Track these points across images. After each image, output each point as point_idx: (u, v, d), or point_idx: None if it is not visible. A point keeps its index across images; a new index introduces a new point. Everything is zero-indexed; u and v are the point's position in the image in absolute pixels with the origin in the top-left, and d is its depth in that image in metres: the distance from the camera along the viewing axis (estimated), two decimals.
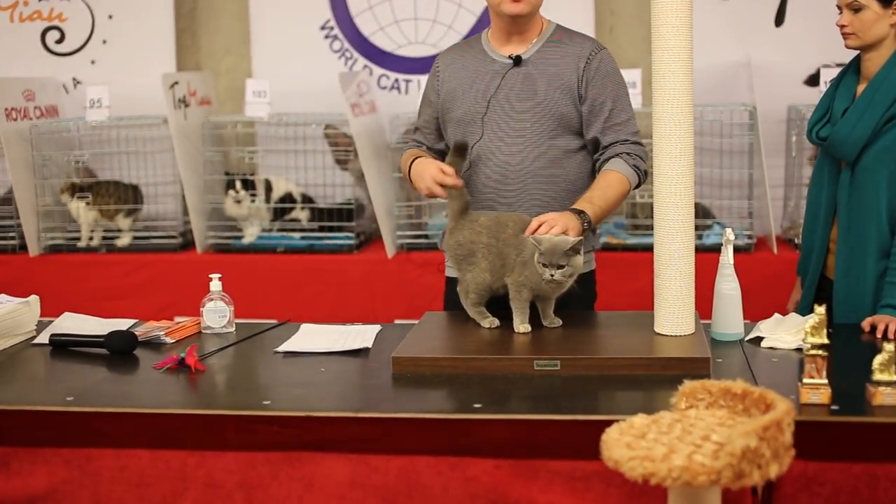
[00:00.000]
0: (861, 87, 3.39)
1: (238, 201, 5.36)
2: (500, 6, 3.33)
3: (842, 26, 3.36)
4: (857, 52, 3.42)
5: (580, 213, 3.20)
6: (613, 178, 3.33)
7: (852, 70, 3.46)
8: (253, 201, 5.37)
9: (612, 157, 3.36)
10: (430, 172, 3.24)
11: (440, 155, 3.52)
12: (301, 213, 5.48)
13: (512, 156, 3.35)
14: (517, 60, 3.39)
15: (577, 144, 3.41)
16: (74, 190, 5.44)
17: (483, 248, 3.15)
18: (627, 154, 3.36)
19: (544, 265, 2.99)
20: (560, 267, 2.99)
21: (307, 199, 5.53)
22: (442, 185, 3.21)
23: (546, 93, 3.36)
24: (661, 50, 2.97)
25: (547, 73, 3.37)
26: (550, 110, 3.36)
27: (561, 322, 3.15)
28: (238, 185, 5.33)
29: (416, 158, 3.39)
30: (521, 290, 3.09)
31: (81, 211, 5.43)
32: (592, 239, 3.49)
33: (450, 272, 3.56)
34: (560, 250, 2.98)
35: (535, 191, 3.36)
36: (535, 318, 3.14)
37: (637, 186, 3.43)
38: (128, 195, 5.53)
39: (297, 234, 5.45)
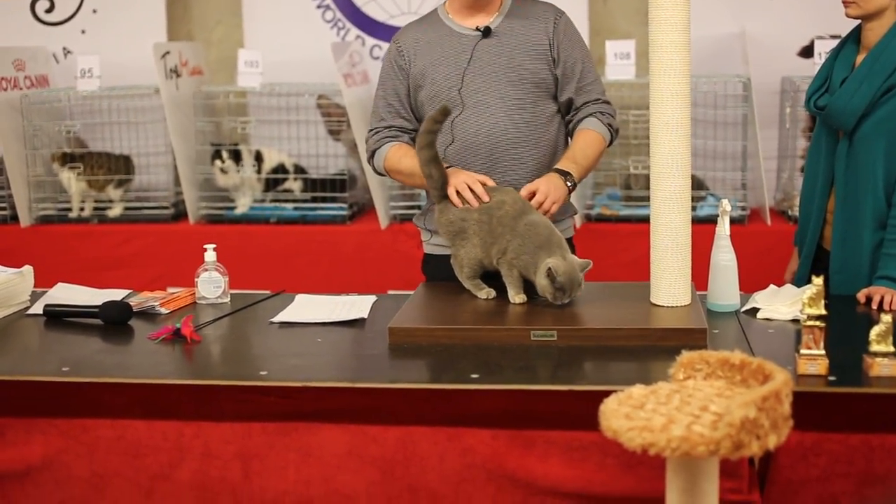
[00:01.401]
0: (860, 58, 3.37)
1: (224, 171, 5.33)
2: None
3: None
4: (857, 21, 3.41)
5: (565, 174, 3.25)
6: (591, 136, 3.38)
7: (852, 40, 3.44)
8: (239, 171, 5.35)
9: (586, 116, 3.42)
10: (475, 177, 3.22)
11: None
12: (294, 184, 5.46)
13: (498, 126, 3.34)
14: (486, 32, 3.38)
15: (555, 108, 3.44)
16: (66, 160, 5.42)
17: (474, 224, 3.15)
18: (601, 113, 3.42)
19: (562, 293, 3.00)
20: (574, 293, 3.02)
21: (300, 170, 5.52)
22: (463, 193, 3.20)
23: (522, 59, 3.37)
24: (658, 20, 2.96)
25: (518, 40, 3.38)
26: (529, 76, 3.37)
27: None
28: (224, 154, 5.31)
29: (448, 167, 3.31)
30: (513, 270, 3.09)
31: (72, 181, 5.41)
32: (570, 206, 3.51)
33: (428, 248, 3.58)
34: (576, 281, 3.01)
35: (525, 157, 3.37)
36: (530, 289, 3.13)
37: (610, 144, 3.48)
38: (119, 166, 5.51)
39: (289, 205, 5.43)
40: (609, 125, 3.43)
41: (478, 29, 3.39)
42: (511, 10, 3.43)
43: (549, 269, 2.97)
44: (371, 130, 3.51)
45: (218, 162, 5.31)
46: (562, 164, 3.29)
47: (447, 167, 3.28)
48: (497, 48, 3.37)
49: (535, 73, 3.37)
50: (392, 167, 3.45)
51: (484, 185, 3.19)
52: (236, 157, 5.34)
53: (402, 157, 3.41)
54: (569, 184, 3.25)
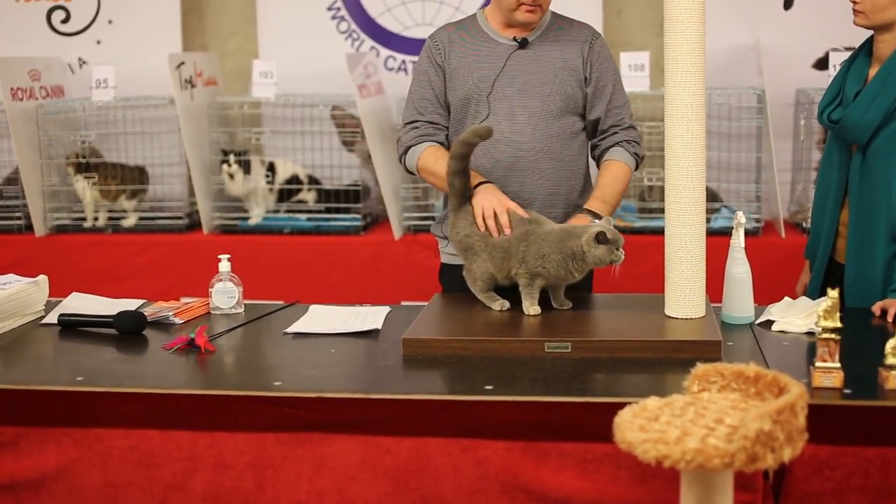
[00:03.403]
0: (873, 70, 3.37)
1: (232, 176, 5.33)
2: (514, 14, 3.35)
3: (853, 2, 3.34)
4: (869, 33, 3.40)
5: (596, 216, 3.28)
6: (620, 169, 3.42)
7: (864, 52, 3.43)
8: (247, 179, 5.35)
9: (613, 145, 3.44)
10: (506, 204, 3.19)
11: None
12: (308, 195, 5.47)
13: (522, 136, 3.37)
14: (523, 43, 3.40)
15: (580, 126, 3.46)
16: (80, 168, 5.44)
17: (479, 240, 3.16)
18: (627, 142, 3.44)
19: (616, 249, 3.04)
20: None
21: (313, 181, 5.52)
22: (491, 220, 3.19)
23: (554, 74, 3.39)
24: (673, 32, 2.96)
25: (552, 55, 3.40)
26: (558, 91, 3.38)
27: (571, 304, 3.15)
28: (231, 158, 5.31)
29: (482, 183, 3.28)
30: (535, 280, 3.09)
31: (87, 191, 5.43)
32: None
33: (444, 258, 3.59)
34: (617, 233, 3.05)
35: (545, 170, 3.39)
36: (544, 301, 3.13)
37: (635, 169, 3.52)
38: (133, 177, 5.52)
39: (303, 216, 5.44)
40: (635, 154, 3.46)
41: (515, 39, 3.40)
42: (549, 26, 3.45)
43: (598, 234, 3.01)
44: (408, 123, 3.50)
45: (225, 166, 5.31)
46: (592, 205, 3.31)
47: (482, 183, 3.27)
48: (530, 60, 3.39)
49: (565, 89, 3.39)
50: (425, 167, 3.44)
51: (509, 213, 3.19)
52: (246, 165, 5.34)
53: (438, 159, 3.37)
54: None
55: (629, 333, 2.91)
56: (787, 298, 3.20)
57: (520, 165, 3.38)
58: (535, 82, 3.38)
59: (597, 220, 3.22)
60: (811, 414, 2.16)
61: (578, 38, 3.43)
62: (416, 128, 3.48)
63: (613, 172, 3.39)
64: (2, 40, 5.90)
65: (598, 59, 3.43)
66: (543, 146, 3.38)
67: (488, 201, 3.19)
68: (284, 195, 5.46)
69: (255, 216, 5.41)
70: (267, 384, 2.65)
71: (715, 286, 3.16)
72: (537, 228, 3.12)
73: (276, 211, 5.48)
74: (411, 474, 2.58)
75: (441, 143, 3.47)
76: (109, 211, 5.51)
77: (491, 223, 3.16)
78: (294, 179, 5.46)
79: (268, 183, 5.40)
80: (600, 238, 3.01)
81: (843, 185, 3.43)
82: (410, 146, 3.48)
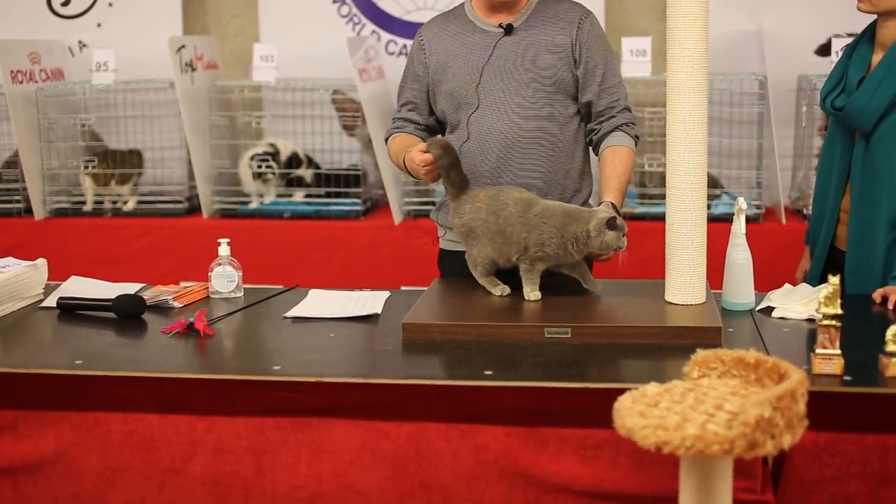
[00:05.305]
0: (877, 57, 3.35)
1: (266, 180, 5.34)
2: None
3: None
4: (872, 19, 3.38)
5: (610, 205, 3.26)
6: (626, 155, 3.37)
7: (866, 38, 3.42)
8: (273, 174, 5.35)
9: (613, 129, 3.39)
10: (414, 159, 3.24)
11: (429, 131, 3.56)
12: (306, 172, 5.46)
13: (514, 124, 3.34)
14: (509, 29, 3.37)
15: (574, 110, 3.42)
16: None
17: (482, 223, 3.15)
18: (626, 125, 3.40)
19: (623, 235, 3.03)
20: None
21: (312, 165, 5.51)
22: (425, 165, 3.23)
23: (543, 58, 3.35)
24: (676, 17, 2.95)
25: (540, 38, 3.36)
26: (548, 76, 3.35)
27: (601, 287, 3.19)
28: (275, 168, 5.32)
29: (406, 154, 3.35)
30: (535, 264, 3.08)
31: (87, 176, 5.43)
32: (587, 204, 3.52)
33: (444, 244, 3.58)
34: (622, 219, 3.05)
35: (539, 157, 3.36)
36: (545, 286, 3.12)
37: None
38: (131, 160, 5.51)
39: (301, 192, 5.43)
40: (636, 136, 3.42)
41: (500, 26, 3.38)
42: (537, 8, 3.40)
43: (608, 221, 3.01)
44: (392, 119, 3.62)
45: (259, 174, 5.31)
46: (607, 196, 3.27)
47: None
48: (518, 46, 3.35)
49: (555, 73, 3.35)
50: (390, 156, 3.58)
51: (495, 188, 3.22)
52: (271, 159, 5.35)
53: (392, 144, 3.53)
54: None
55: (629, 319, 2.91)
56: (787, 285, 3.20)
57: (513, 154, 3.35)
58: (523, 68, 3.34)
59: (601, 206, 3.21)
60: (811, 401, 2.15)
61: (567, 18, 3.38)
62: (395, 121, 3.59)
63: (620, 158, 3.35)
64: (2, 23, 5.88)
65: (588, 38, 3.36)
66: (536, 133, 3.35)
67: (413, 162, 3.26)
68: (284, 174, 5.46)
69: (257, 201, 5.40)
70: (266, 368, 2.65)
71: (715, 272, 3.16)
72: (536, 211, 3.10)
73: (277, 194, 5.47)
74: (410, 459, 2.58)
75: (410, 134, 3.54)
76: (110, 195, 5.49)
77: (423, 172, 3.24)
78: (294, 157, 5.44)
79: (272, 167, 5.38)
80: (611, 224, 3.00)
81: (846, 172, 3.42)
82: (387, 137, 3.61)
